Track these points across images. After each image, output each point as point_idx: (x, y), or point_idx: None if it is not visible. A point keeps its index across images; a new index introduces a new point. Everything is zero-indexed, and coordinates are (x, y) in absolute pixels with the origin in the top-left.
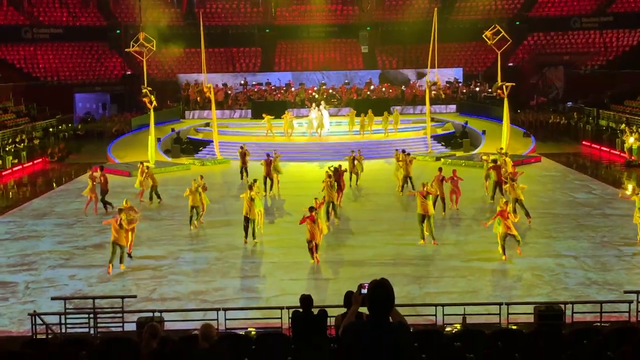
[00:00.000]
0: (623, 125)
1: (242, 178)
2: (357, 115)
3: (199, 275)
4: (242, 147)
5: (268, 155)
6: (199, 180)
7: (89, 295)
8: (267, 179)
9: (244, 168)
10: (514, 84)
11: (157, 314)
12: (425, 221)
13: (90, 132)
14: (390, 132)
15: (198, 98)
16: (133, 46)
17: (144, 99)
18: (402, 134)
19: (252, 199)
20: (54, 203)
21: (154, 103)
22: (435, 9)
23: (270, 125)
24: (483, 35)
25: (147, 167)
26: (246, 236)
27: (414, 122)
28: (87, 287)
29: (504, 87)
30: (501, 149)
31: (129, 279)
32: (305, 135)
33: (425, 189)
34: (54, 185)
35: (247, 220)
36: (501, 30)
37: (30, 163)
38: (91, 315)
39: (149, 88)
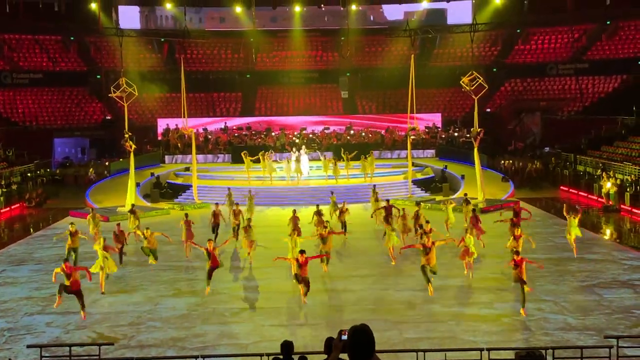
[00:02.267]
0: (599, 171)
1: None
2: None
3: (178, 321)
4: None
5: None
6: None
7: (65, 343)
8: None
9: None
10: (483, 129)
11: None
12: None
13: (69, 177)
14: (367, 177)
15: (178, 143)
16: (114, 92)
17: (125, 143)
18: (381, 179)
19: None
20: (32, 249)
21: (133, 146)
22: (413, 55)
23: (248, 165)
24: (461, 82)
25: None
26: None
27: (394, 167)
28: (65, 334)
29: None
30: (465, 194)
31: (106, 326)
32: (284, 179)
33: (424, 239)
34: (32, 230)
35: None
36: (479, 76)
37: (8, 208)
38: None
39: (129, 133)
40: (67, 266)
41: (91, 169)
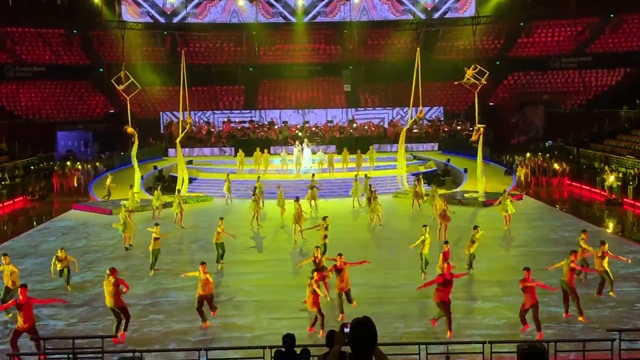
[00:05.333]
0: (602, 165)
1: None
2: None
3: (181, 314)
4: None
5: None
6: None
7: (68, 335)
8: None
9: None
10: (481, 126)
11: (137, 354)
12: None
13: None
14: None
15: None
16: (118, 85)
17: (127, 129)
18: (381, 172)
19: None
20: (35, 241)
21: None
22: (418, 48)
23: (241, 161)
24: (466, 74)
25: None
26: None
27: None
28: (67, 327)
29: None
30: (420, 174)
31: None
32: (279, 172)
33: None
34: (35, 223)
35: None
36: (484, 70)
37: (11, 201)
38: (71, 356)
39: (130, 127)
40: (24, 293)
41: (75, 177)
